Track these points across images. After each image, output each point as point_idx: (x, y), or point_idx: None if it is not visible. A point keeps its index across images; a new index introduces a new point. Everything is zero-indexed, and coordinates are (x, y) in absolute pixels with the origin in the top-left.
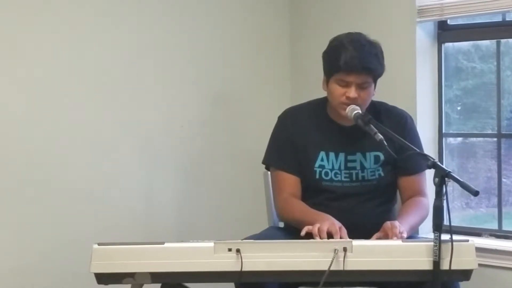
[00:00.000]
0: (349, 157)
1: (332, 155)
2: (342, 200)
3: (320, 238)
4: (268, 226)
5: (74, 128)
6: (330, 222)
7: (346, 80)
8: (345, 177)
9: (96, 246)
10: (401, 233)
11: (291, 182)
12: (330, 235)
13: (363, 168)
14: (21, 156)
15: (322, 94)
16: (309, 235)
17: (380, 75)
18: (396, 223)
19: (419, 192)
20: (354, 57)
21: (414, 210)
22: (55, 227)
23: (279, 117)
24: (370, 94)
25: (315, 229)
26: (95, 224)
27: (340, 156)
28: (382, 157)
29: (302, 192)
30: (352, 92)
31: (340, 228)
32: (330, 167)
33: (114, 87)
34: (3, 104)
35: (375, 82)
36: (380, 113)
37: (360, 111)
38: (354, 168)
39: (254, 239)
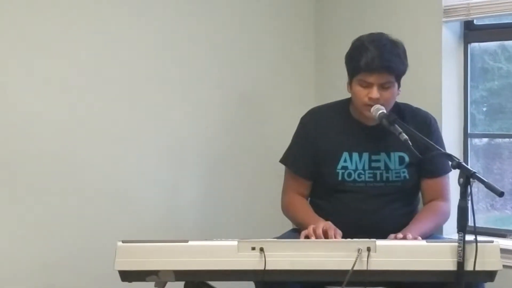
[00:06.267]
0: (373, 157)
1: (355, 155)
2: (365, 201)
3: (315, 236)
4: (290, 228)
5: (100, 128)
6: (325, 223)
7: (367, 81)
8: (369, 177)
9: (120, 243)
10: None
11: (299, 184)
12: (325, 235)
13: (387, 168)
14: (45, 156)
15: (346, 95)
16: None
17: (402, 74)
18: (400, 235)
19: (440, 196)
20: (374, 57)
21: (429, 216)
22: (80, 225)
23: (301, 118)
24: (393, 94)
25: (309, 229)
26: (120, 222)
27: (364, 156)
28: (406, 158)
29: (324, 192)
30: (374, 93)
31: (335, 229)
32: (354, 167)
33: (139, 87)
34: (26, 104)
35: (398, 81)
36: (405, 114)
37: (385, 111)
38: (378, 168)
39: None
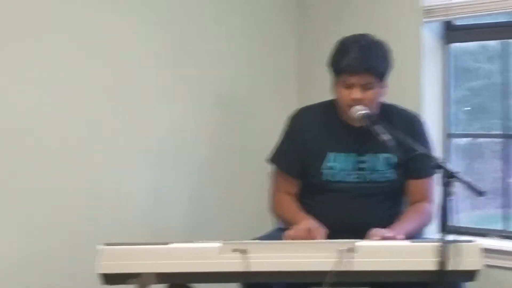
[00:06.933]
0: (360, 158)
1: (342, 155)
2: (351, 201)
3: (295, 237)
4: (274, 228)
5: (82, 128)
6: (309, 222)
7: (349, 82)
8: (355, 178)
9: (102, 246)
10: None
11: (287, 182)
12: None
13: (374, 169)
14: (25, 155)
15: (328, 96)
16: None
17: (383, 74)
18: (381, 230)
19: (425, 197)
20: (355, 59)
21: (413, 217)
22: (61, 227)
23: (289, 117)
24: (376, 94)
25: (292, 231)
26: (102, 225)
27: (351, 156)
28: (392, 159)
29: (311, 192)
30: (356, 93)
31: (317, 228)
32: (340, 168)
33: (122, 87)
34: (10, 104)
35: (381, 81)
36: (392, 114)
37: (366, 111)
38: (365, 169)
39: (261, 240)
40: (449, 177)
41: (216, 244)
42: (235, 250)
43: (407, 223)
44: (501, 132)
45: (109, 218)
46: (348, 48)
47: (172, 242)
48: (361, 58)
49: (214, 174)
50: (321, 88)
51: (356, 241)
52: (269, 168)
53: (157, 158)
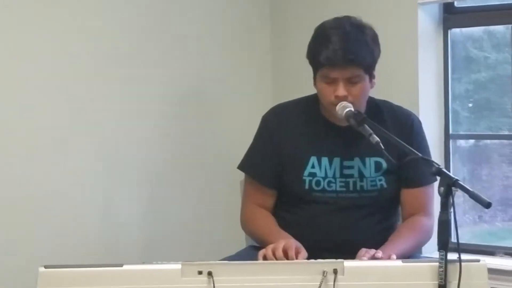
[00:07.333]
0: (345, 163)
1: (325, 160)
2: (336, 214)
3: (275, 258)
4: (246, 246)
5: (22, 135)
6: (287, 241)
7: (331, 76)
8: (340, 186)
9: (42, 269)
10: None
11: (261, 193)
12: (286, 256)
13: (361, 176)
14: None
15: (306, 91)
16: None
17: (372, 65)
18: (370, 251)
19: (422, 210)
20: (336, 50)
21: (408, 235)
22: None
23: (263, 117)
24: (363, 89)
25: (268, 250)
26: (44, 243)
27: (335, 161)
28: (384, 164)
29: (288, 203)
30: (340, 90)
31: (299, 248)
32: (323, 174)
33: (67, 83)
34: None
35: (369, 73)
36: (383, 112)
37: (352, 109)
38: (351, 175)
39: (229, 261)
40: (449, 185)
41: (177, 266)
42: (200, 273)
43: (401, 241)
44: (511, 133)
45: (53, 235)
46: (328, 36)
47: (127, 264)
48: (344, 49)
49: (176, 184)
50: (300, 82)
51: (343, 261)
52: (241, 177)
53: (109, 165)
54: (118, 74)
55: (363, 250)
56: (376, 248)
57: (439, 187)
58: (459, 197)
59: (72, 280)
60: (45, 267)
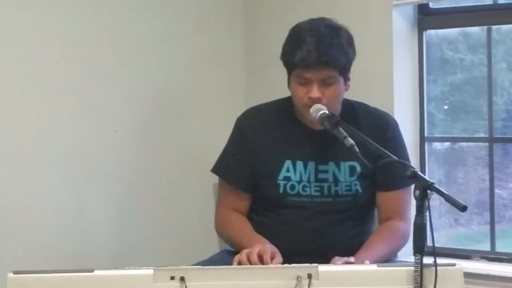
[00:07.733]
0: (320, 167)
1: (300, 164)
2: (311, 218)
3: (250, 263)
4: (219, 250)
5: None
6: (262, 246)
7: (305, 77)
8: (315, 191)
9: (11, 275)
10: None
11: (236, 197)
12: (261, 260)
13: (336, 180)
14: None
15: (280, 94)
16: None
17: (345, 66)
18: (343, 259)
19: (398, 214)
20: (310, 50)
21: (383, 240)
22: None
23: (237, 120)
24: (338, 90)
25: (242, 254)
26: (11, 249)
27: (310, 165)
28: (358, 168)
29: (262, 208)
30: (314, 91)
31: (274, 252)
32: (298, 178)
33: (31, 83)
34: None
35: (344, 75)
36: (358, 115)
37: (326, 111)
38: (326, 180)
39: (203, 265)
40: (425, 188)
41: (149, 271)
42: (172, 278)
43: (376, 247)
44: (487, 135)
45: (22, 241)
46: (303, 37)
47: (98, 269)
48: (318, 50)
49: (148, 187)
50: (273, 84)
51: (318, 266)
52: (214, 180)
53: (78, 169)
54: (86, 75)
55: (336, 258)
56: (351, 253)
57: (414, 190)
58: (435, 200)
59: (42, 285)
60: (14, 272)
